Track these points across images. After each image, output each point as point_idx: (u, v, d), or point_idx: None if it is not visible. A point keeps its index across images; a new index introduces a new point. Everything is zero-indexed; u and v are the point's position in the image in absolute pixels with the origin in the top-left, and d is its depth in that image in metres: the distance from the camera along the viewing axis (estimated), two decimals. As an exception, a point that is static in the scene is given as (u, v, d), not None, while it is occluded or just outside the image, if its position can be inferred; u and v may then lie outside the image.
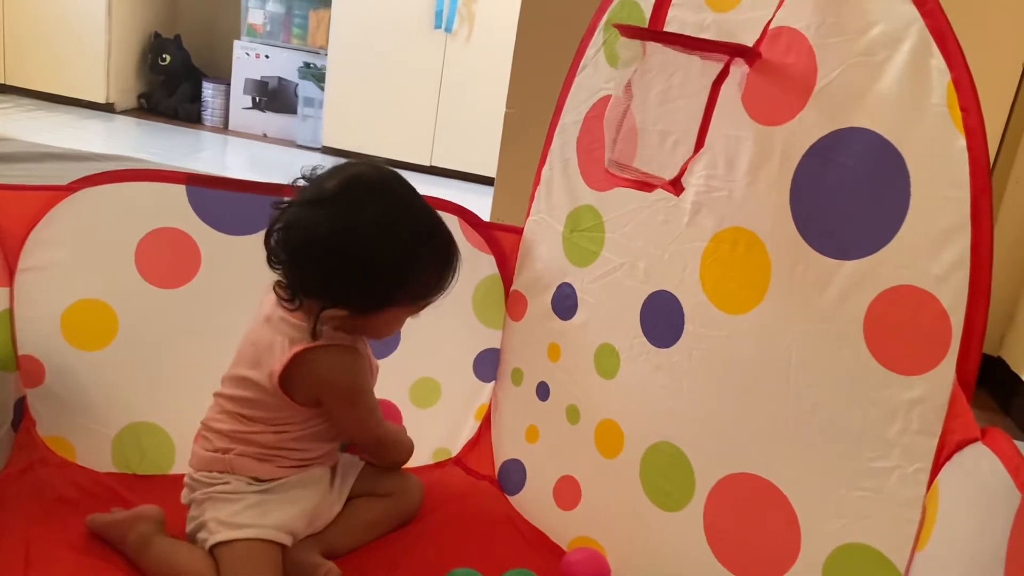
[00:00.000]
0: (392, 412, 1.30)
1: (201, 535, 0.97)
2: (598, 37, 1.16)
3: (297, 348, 0.97)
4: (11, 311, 1.11)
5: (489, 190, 1.91)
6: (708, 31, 0.99)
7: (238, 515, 0.97)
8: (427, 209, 1.02)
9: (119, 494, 1.11)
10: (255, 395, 1.00)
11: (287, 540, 0.98)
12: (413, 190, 1.02)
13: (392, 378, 1.30)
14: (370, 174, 0.98)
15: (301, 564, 0.99)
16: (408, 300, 1.01)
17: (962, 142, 0.76)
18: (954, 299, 0.77)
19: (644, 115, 1.05)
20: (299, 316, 0.98)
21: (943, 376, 0.78)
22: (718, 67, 0.91)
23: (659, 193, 1.03)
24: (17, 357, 1.12)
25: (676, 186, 0.93)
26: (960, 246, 0.77)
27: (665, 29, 1.03)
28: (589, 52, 1.18)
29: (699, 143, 0.93)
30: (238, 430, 1.00)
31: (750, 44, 0.91)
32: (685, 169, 0.92)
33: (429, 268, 1.00)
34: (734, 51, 0.90)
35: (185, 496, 1.03)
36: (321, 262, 0.94)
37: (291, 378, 0.98)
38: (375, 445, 1.13)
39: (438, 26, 3.68)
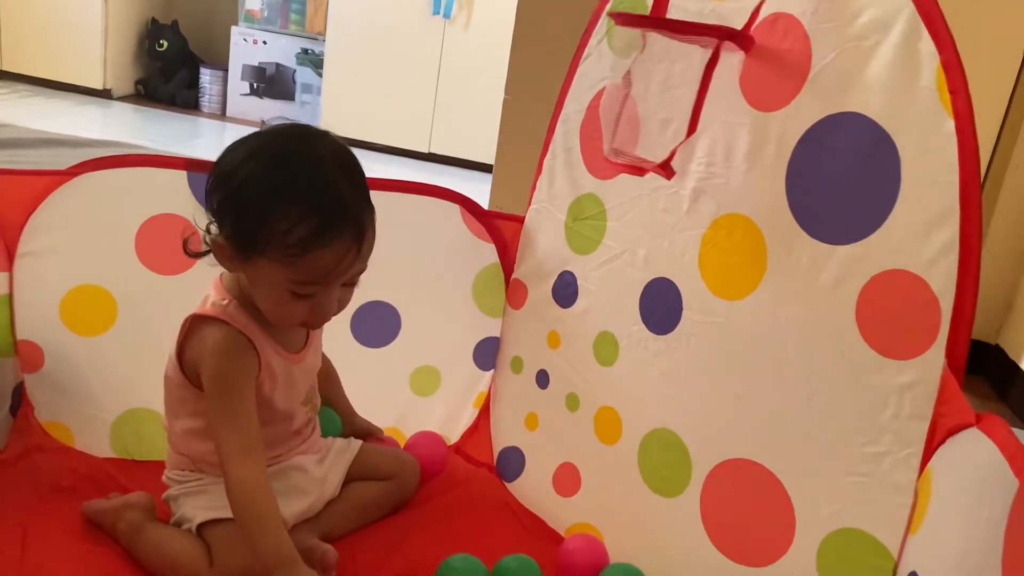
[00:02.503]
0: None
1: (185, 527, 0.98)
2: (602, 26, 1.16)
3: (193, 312, 0.95)
4: (10, 296, 1.11)
5: (488, 177, 1.90)
6: (709, 19, 0.98)
7: (216, 499, 0.96)
8: (321, 161, 0.89)
9: (117, 480, 1.11)
10: (168, 372, 0.99)
11: None
12: (328, 143, 0.91)
13: (393, 366, 1.31)
14: (296, 124, 0.94)
15: (298, 547, 0.98)
16: (272, 249, 0.87)
17: (951, 125, 0.76)
18: (944, 283, 0.77)
19: (645, 103, 1.05)
20: (218, 288, 0.97)
21: (933, 360, 0.78)
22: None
23: (660, 181, 1.03)
24: (16, 342, 1.12)
25: (667, 169, 0.93)
26: (950, 230, 0.77)
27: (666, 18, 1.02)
28: (592, 41, 1.17)
29: (691, 127, 0.93)
30: (170, 432, 1.00)
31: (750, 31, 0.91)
32: (675, 152, 0.92)
33: (292, 213, 0.85)
34: (724, 35, 0.90)
35: (165, 495, 1.02)
36: (212, 176, 0.92)
37: (187, 350, 0.96)
38: (225, 478, 0.90)
39: (436, 12, 3.66)
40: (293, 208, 0.86)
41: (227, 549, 0.93)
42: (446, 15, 3.66)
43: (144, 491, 1.03)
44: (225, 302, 0.95)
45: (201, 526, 0.96)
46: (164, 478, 1.03)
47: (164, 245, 1.16)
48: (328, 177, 0.89)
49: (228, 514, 0.94)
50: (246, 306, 0.95)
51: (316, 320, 0.95)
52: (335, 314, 0.96)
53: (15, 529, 0.97)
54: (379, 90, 3.79)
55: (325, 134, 0.93)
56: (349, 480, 1.11)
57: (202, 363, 0.93)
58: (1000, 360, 2.07)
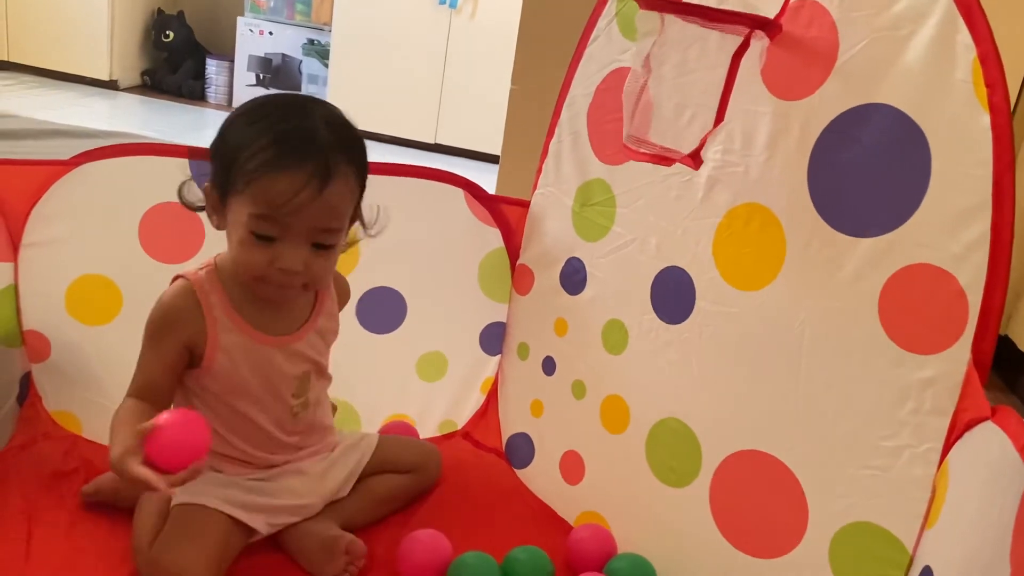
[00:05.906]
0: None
1: (172, 502, 0.96)
2: (611, 7, 1.14)
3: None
4: (16, 286, 1.11)
5: (494, 168, 1.90)
6: (729, 3, 0.97)
7: (196, 485, 0.91)
8: (303, 107, 0.91)
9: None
10: None
11: (241, 515, 0.94)
12: (323, 105, 0.93)
13: (399, 353, 1.31)
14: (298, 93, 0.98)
15: (321, 536, 0.98)
16: (237, 179, 0.87)
17: (986, 119, 0.75)
18: (972, 278, 0.76)
19: (660, 89, 1.04)
20: (207, 261, 0.98)
21: (958, 356, 0.77)
22: (737, 40, 0.89)
23: (673, 168, 1.01)
24: (22, 332, 1.12)
25: (695, 159, 0.91)
26: (981, 225, 0.76)
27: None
28: (601, 23, 1.16)
29: (719, 117, 0.91)
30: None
31: (771, 16, 0.90)
32: (704, 143, 0.91)
33: (257, 142, 0.86)
34: (754, 23, 0.89)
35: None
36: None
37: None
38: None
39: (442, 2, 3.65)
40: (260, 138, 0.86)
41: (171, 533, 0.92)
42: (452, 5, 3.65)
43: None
44: (203, 270, 0.95)
45: (175, 506, 0.95)
46: None
47: (167, 234, 1.16)
48: (303, 117, 0.89)
49: (196, 500, 0.93)
50: (223, 278, 0.95)
51: (275, 276, 0.89)
52: (307, 282, 0.92)
53: (22, 517, 0.98)
54: (385, 81, 3.78)
55: (326, 103, 0.94)
56: (368, 474, 1.09)
57: None
58: (1009, 351, 2.05)
